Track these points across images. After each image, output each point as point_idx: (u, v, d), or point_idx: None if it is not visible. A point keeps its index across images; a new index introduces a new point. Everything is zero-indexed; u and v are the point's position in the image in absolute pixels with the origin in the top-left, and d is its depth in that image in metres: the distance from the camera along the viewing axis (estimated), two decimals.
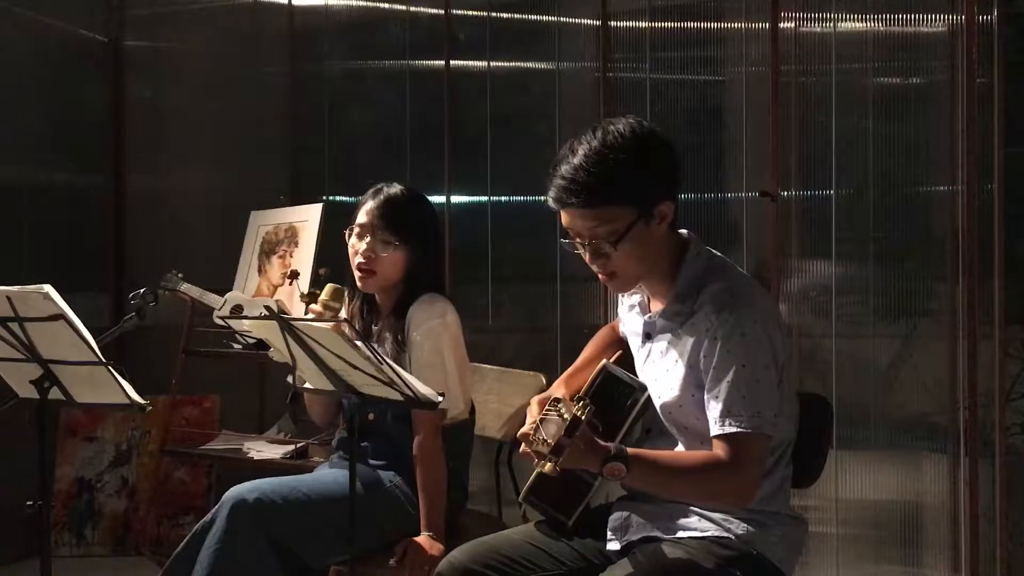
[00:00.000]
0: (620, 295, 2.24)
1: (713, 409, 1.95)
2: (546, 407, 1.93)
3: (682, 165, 2.05)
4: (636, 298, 2.17)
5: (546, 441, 1.86)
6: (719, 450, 1.95)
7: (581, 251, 2.04)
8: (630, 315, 2.19)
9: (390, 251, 2.61)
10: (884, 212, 3.37)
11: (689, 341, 2.00)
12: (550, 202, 2.02)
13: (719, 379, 1.94)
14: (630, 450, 1.92)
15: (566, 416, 1.86)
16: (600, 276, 2.06)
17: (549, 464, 1.83)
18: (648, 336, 2.11)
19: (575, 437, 1.83)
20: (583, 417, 1.85)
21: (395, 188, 2.68)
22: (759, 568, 2.01)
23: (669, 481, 1.99)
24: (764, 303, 2.02)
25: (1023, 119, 3.21)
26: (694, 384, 1.99)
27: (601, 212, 1.96)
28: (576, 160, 1.96)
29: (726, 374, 1.93)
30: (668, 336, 2.05)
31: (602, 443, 1.90)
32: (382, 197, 2.65)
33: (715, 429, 1.95)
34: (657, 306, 2.10)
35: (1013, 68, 3.18)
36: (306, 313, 2.64)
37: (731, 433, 1.93)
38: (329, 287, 2.62)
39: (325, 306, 2.59)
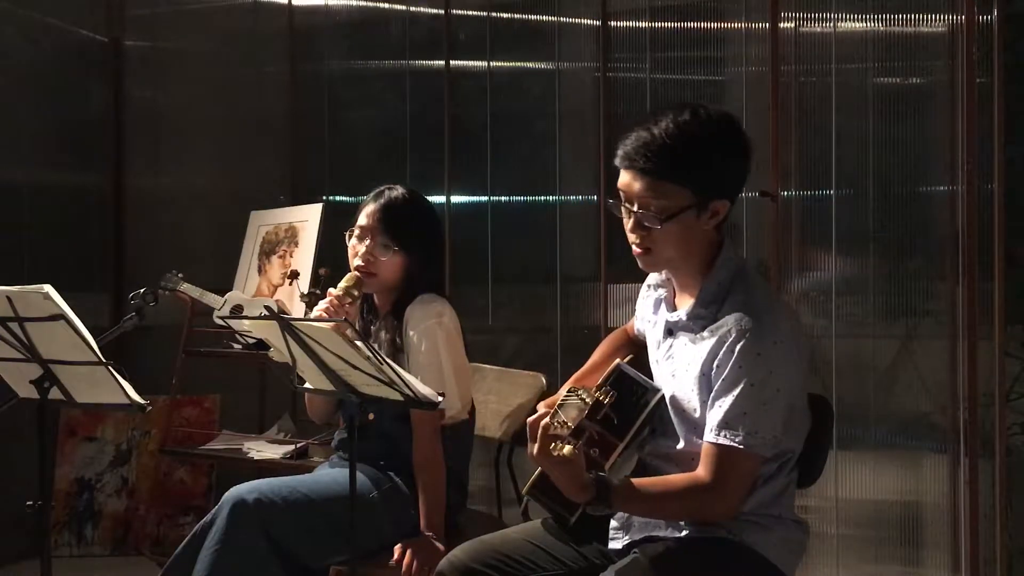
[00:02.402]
0: (645, 287, 2.22)
1: (713, 416, 1.95)
2: (564, 395, 1.92)
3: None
4: (662, 292, 2.15)
5: (566, 424, 1.85)
6: (705, 461, 1.94)
7: (624, 216, 2.01)
8: (656, 312, 2.17)
9: (389, 255, 2.62)
10: (884, 212, 3.37)
11: (706, 348, 1.98)
12: (616, 159, 1.98)
13: (726, 391, 1.93)
14: (616, 482, 1.93)
15: (587, 400, 1.86)
16: (633, 248, 2.03)
17: (568, 447, 1.82)
18: (670, 332, 2.09)
19: (580, 441, 1.82)
20: (606, 401, 1.84)
21: (397, 191, 2.68)
22: (760, 570, 2.00)
23: (654, 508, 2.01)
24: (787, 322, 1.98)
25: (1023, 119, 3.21)
26: (705, 390, 1.98)
27: (661, 185, 1.93)
28: (658, 128, 1.93)
29: (734, 388, 1.92)
30: (688, 337, 2.04)
31: (589, 477, 1.90)
32: (383, 200, 2.65)
33: (709, 436, 1.95)
34: (682, 302, 2.08)
35: (1013, 68, 3.18)
36: (324, 296, 2.64)
37: (723, 445, 1.92)
38: (350, 275, 2.62)
39: (346, 292, 2.58)
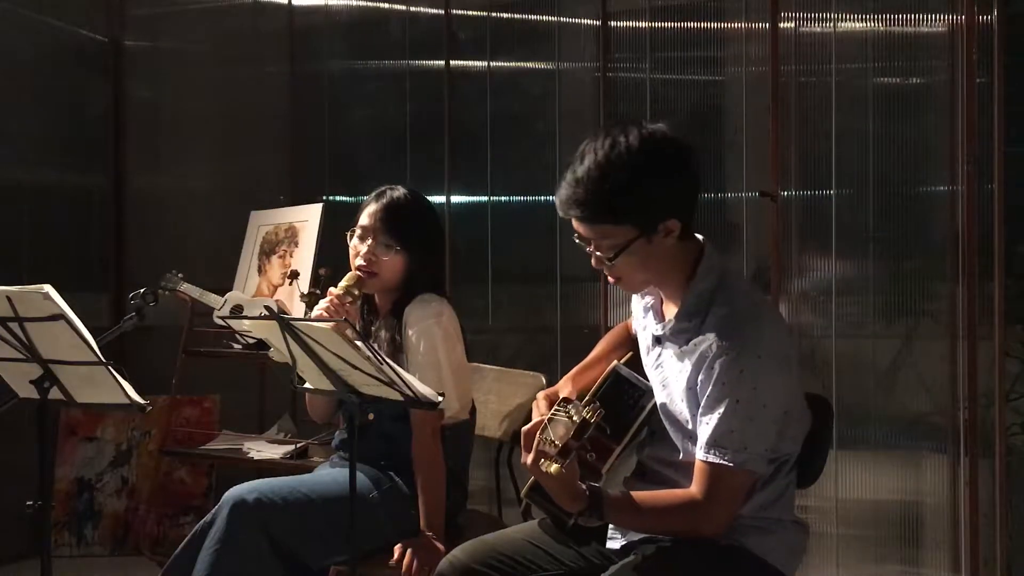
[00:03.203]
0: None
1: (702, 434, 1.94)
2: (555, 407, 1.93)
3: (698, 175, 1.99)
4: (649, 299, 2.13)
5: (553, 442, 1.86)
6: (697, 478, 1.95)
7: (589, 253, 2.02)
8: (645, 317, 2.16)
9: (391, 255, 2.62)
10: (884, 212, 3.37)
11: (691, 362, 1.97)
12: (557, 208, 1.99)
13: (712, 408, 1.92)
14: (610, 494, 1.94)
15: (575, 418, 1.86)
16: (609, 278, 2.04)
17: (555, 466, 1.83)
18: (658, 341, 2.09)
19: (583, 439, 1.84)
20: (593, 420, 1.85)
21: (399, 192, 2.67)
22: (760, 572, 2.00)
23: (646, 522, 2.01)
24: (773, 333, 1.96)
25: (1023, 119, 3.21)
26: (694, 403, 1.98)
27: (601, 227, 1.94)
28: (581, 171, 1.92)
29: (719, 405, 1.91)
30: (674, 349, 2.03)
31: (583, 486, 1.92)
32: (385, 200, 2.65)
33: (699, 453, 1.95)
34: (668, 311, 2.07)
35: (1013, 68, 3.18)
36: (324, 296, 2.64)
37: (714, 464, 1.92)
38: (350, 274, 2.62)
39: (346, 291, 2.58)
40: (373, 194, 2.69)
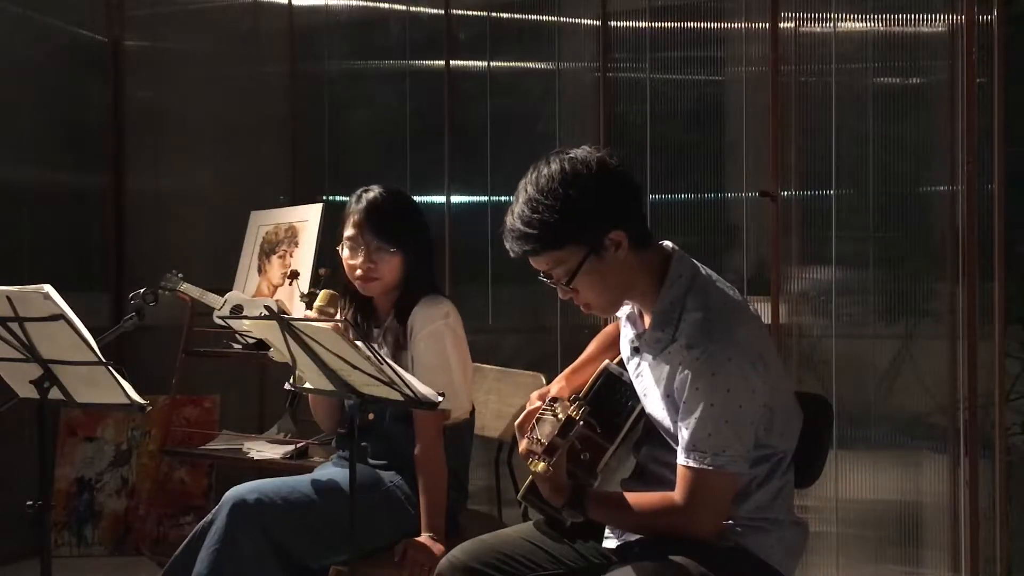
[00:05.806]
0: None
1: (682, 439, 1.96)
2: (543, 407, 1.94)
3: (629, 184, 2.01)
4: (626, 308, 2.14)
5: (540, 441, 1.88)
6: (679, 483, 1.96)
7: (554, 287, 2.04)
8: (625, 326, 2.18)
9: (386, 257, 2.61)
10: (884, 212, 3.37)
11: (665, 370, 1.99)
12: (509, 251, 2.02)
13: (689, 413, 1.94)
14: (593, 492, 1.98)
15: (560, 417, 1.87)
16: (582, 308, 2.06)
17: (542, 464, 1.86)
18: (636, 351, 2.10)
19: (568, 437, 1.87)
20: (578, 418, 1.86)
21: (373, 192, 2.65)
22: (759, 572, 2.00)
23: (625, 520, 2.04)
24: (745, 334, 1.96)
25: (1023, 119, 3.21)
26: (673, 410, 1.99)
27: (548, 257, 1.97)
28: (517, 210, 1.97)
29: (695, 410, 1.92)
30: (650, 358, 2.04)
31: (569, 483, 1.96)
32: (365, 205, 2.62)
33: (680, 458, 1.96)
34: (647, 320, 2.08)
35: (1013, 68, 3.18)
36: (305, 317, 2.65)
37: (694, 468, 1.93)
38: (324, 293, 2.62)
39: (321, 312, 2.58)
40: (352, 198, 2.66)
